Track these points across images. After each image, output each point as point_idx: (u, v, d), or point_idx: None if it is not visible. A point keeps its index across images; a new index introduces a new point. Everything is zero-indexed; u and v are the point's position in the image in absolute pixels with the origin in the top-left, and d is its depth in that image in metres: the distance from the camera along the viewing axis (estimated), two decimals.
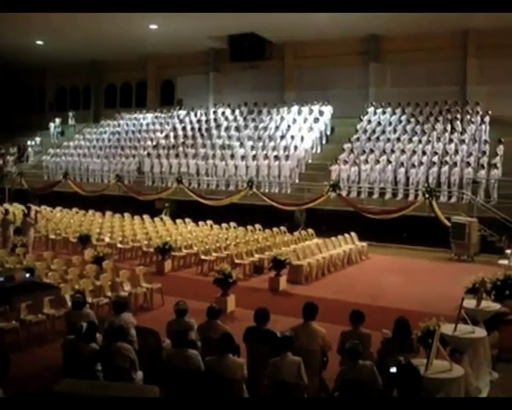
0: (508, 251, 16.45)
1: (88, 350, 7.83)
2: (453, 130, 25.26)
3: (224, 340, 7.39)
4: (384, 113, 28.29)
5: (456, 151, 23.58)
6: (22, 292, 10.55)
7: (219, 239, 18.89)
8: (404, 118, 27.37)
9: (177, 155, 28.61)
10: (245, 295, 13.64)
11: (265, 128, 29.16)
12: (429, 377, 7.02)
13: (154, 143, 31.25)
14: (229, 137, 29.13)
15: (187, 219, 22.51)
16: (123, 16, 25.97)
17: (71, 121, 38.28)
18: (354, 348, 7.15)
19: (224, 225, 21.48)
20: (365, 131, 27.30)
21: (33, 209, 20.29)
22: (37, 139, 37.19)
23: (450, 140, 24.43)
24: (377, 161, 24.14)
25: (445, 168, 22.67)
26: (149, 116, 35.01)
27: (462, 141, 24.20)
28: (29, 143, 36.77)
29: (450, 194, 22.52)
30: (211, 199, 25.28)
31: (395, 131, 26.56)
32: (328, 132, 28.95)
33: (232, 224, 21.56)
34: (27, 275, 10.99)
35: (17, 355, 9.05)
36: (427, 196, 20.92)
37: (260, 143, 27.71)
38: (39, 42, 33.35)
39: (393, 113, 28.04)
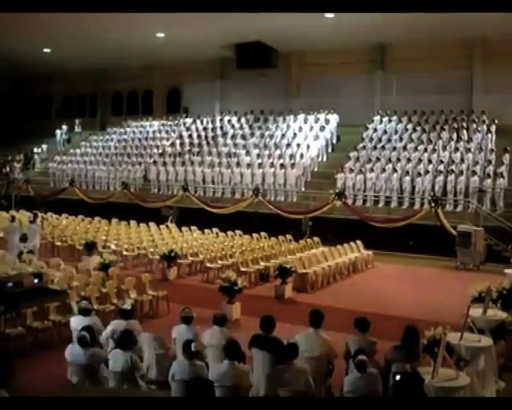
0: None
1: (90, 355, 7.85)
2: (459, 139, 25.22)
3: (230, 347, 7.38)
4: (390, 121, 28.25)
5: (462, 160, 23.55)
6: (30, 297, 10.55)
7: (225, 247, 18.89)
8: (410, 126, 27.32)
9: (183, 163, 28.64)
10: (250, 302, 13.63)
11: (271, 136, 29.17)
12: (435, 386, 7.01)
13: (161, 150, 31.28)
14: (235, 145, 29.16)
15: (193, 227, 22.48)
16: (130, 25, 26.11)
17: (77, 129, 38.44)
18: (361, 363, 7.11)
19: (229, 232, 21.45)
20: (371, 139, 27.26)
21: (39, 216, 20.33)
22: (44, 146, 37.20)
23: (456, 149, 24.40)
24: (383, 170, 24.11)
25: (451, 177, 22.63)
26: (156, 124, 35.09)
27: (468, 150, 24.18)
28: (35, 150, 36.82)
29: (456, 203, 22.48)
30: (216, 207, 25.30)
31: (401, 139, 26.48)
32: (334, 141, 28.92)
33: (238, 231, 21.54)
34: (36, 280, 10.99)
35: (22, 362, 9.08)
36: (432, 204, 20.89)
37: (266, 151, 27.70)
38: (46, 50, 33.50)
39: (399, 121, 28.01)
